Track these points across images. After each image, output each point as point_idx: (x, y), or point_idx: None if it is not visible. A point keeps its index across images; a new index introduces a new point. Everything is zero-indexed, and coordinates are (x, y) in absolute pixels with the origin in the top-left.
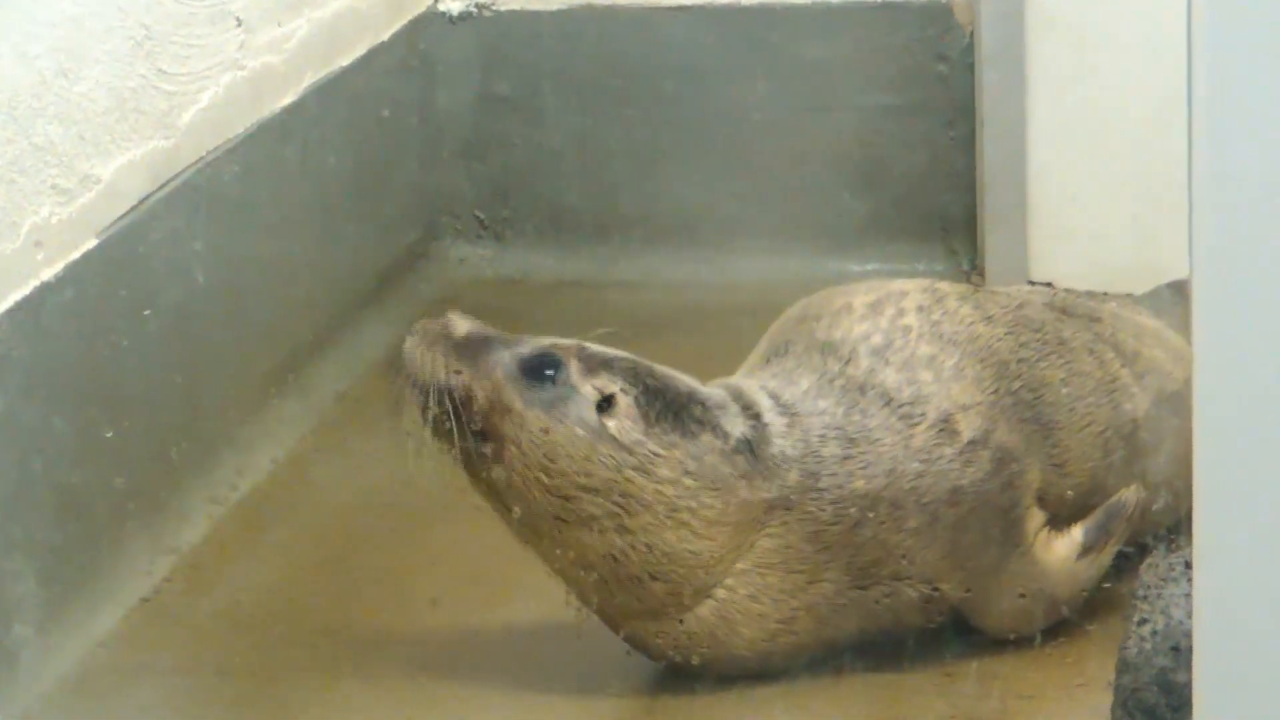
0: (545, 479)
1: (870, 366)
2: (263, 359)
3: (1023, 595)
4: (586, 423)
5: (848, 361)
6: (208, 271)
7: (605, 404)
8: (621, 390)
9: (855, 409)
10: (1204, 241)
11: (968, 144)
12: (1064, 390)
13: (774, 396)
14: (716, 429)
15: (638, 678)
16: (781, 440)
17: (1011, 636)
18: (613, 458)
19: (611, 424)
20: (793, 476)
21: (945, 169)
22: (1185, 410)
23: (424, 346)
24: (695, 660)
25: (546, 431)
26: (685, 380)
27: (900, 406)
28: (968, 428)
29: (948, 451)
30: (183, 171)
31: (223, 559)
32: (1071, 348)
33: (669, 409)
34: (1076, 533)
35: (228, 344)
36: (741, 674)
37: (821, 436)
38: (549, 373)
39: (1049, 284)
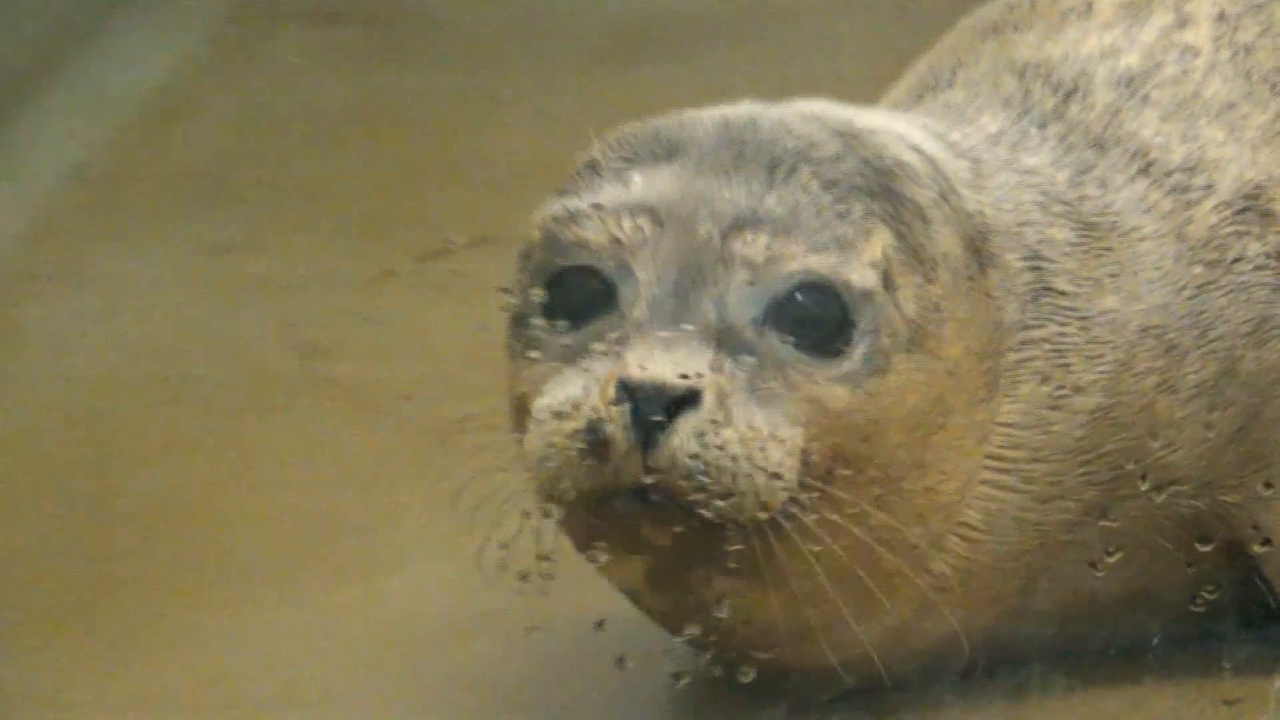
0: (900, 454)
1: (1114, 104)
2: None
3: None
4: (902, 333)
5: (1071, 94)
6: None
7: (886, 278)
8: (886, 240)
9: (1089, 175)
10: None
11: None
12: None
13: (938, 136)
14: (927, 182)
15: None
16: (973, 194)
17: None
18: (922, 350)
19: (906, 300)
20: (1013, 261)
21: None
22: None
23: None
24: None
25: (888, 394)
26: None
27: (1170, 174)
28: None
29: (1254, 249)
30: None
31: None
32: None
33: (900, 209)
34: None
35: None
36: (864, 683)
37: (1041, 207)
38: (816, 303)
39: None
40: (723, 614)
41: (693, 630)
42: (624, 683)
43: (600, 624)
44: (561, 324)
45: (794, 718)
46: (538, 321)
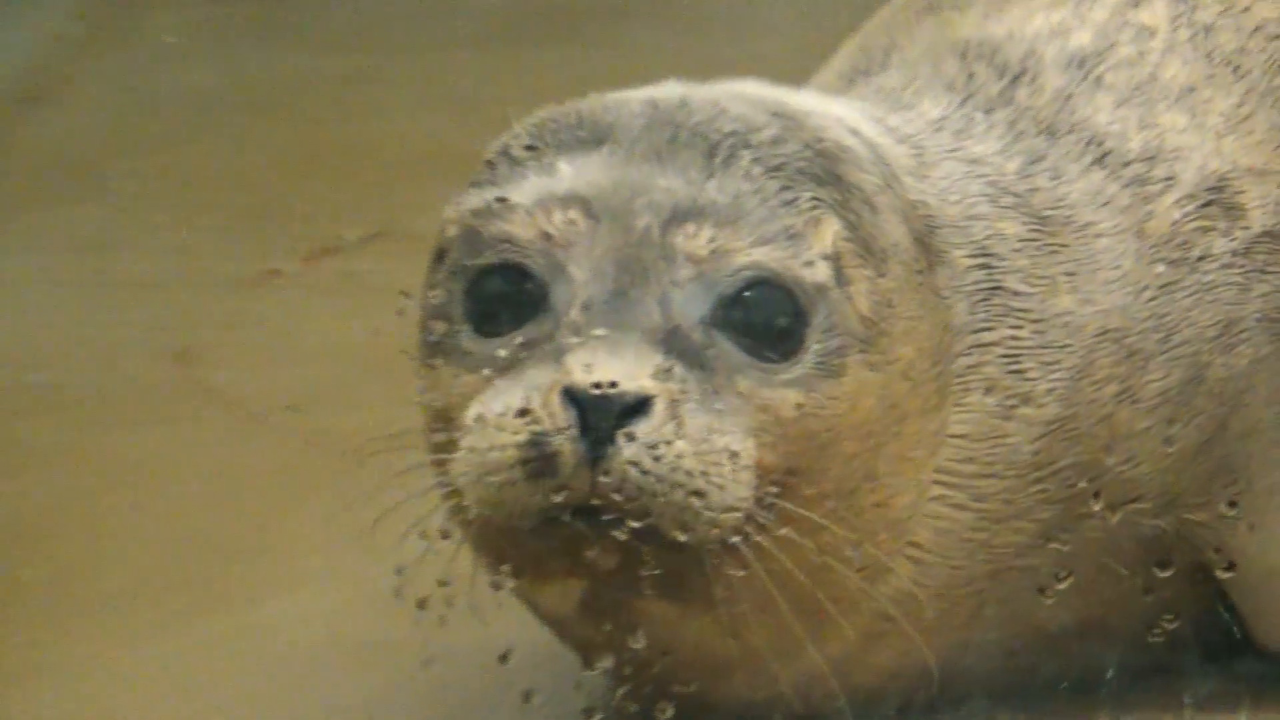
0: (854, 464)
1: (1065, 88)
2: None
3: None
4: (856, 333)
5: (1018, 77)
6: None
7: (838, 271)
8: (836, 230)
9: (1040, 165)
10: None
11: None
12: None
13: (876, 121)
14: (870, 167)
15: None
16: (916, 184)
17: None
18: (876, 350)
19: (859, 295)
20: (960, 258)
21: None
22: None
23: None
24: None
25: (844, 399)
26: (821, 120)
27: (1127, 164)
28: (1261, 203)
29: (1220, 246)
30: None
31: None
32: None
33: (848, 196)
34: None
35: None
36: None
37: (990, 199)
38: (766, 302)
39: None
40: (657, 642)
41: (610, 661)
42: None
43: (505, 656)
44: (487, 329)
45: None
46: (459, 327)
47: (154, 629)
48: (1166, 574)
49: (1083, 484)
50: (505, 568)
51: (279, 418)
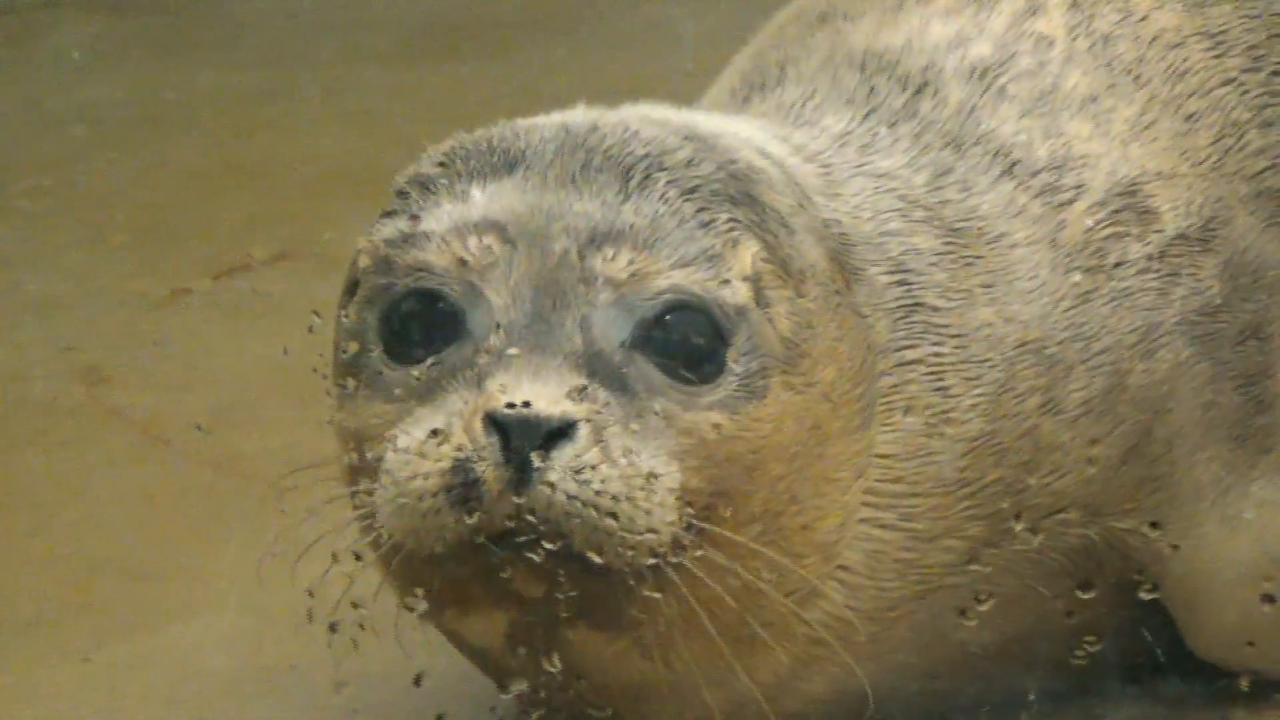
0: (780, 487)
1: (969, 100)
2: None
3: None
4: (777, 354)
5: (921, 90)
6: None
7: (758, 292)
8: (755, 251)
9: (949, 177)
10: None
11: None
12: None
13: (782, 139)
14: (783, 188)
15: None
16: (827, 202)
17: (1242, 679)
18: (797, 372)
19: (780, 317)
20: (877, 275)
21: None
22: None
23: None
24: None
25: (768, 420)
26: (730, 150)
27: (1035, 174)
28: (1172, 206)
29: (1135, 251)
30: None
31: None
32: None
33: (764, 217)
34: None
35: None
36: None
37: (901, 214)
38: (687, 324)
39: None
40: (580, 667)
41: (525, 685)
42: None
43: (419, 679)
44: (401, 355)
45: None
46: (373, 354)
47: (59, 655)
48: (1089, 595)
49: (1004, 504)
50: (420, 591)
51: (187, 439)
